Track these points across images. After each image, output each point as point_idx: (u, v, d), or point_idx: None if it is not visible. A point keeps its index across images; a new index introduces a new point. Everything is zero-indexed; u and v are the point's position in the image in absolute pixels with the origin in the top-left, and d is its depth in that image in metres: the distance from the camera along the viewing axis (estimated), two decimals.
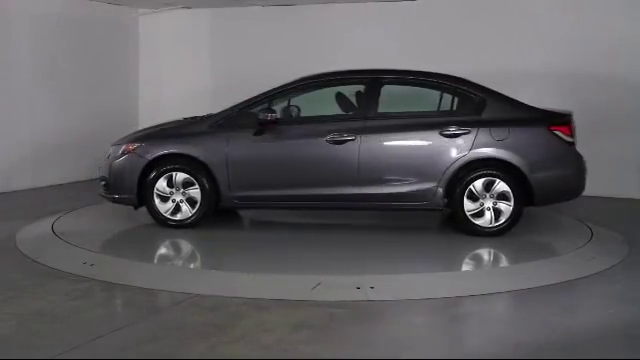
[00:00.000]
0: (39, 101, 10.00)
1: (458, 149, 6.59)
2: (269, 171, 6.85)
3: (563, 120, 6.71)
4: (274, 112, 6.79)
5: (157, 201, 6.92)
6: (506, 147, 6.54)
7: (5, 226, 7.20)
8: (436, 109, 7.09)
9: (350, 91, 7.22)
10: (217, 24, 11.48)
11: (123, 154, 7.00)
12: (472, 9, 9.95)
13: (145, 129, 7.62)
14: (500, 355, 4.03)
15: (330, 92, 7.23)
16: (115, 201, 7.14)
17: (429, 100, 7.19)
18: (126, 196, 6.97)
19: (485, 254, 6.17)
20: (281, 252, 6.17)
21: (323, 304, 4.83)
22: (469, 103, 6.89)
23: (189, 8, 11.47)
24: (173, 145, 6.93)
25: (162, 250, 6.76)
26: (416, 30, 10.18)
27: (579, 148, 6.83)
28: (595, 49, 9.23)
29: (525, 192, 6.58)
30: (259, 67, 10.44)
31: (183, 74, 11.69)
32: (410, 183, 6.68)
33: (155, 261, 6.18)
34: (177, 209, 6.95)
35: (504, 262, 5.92)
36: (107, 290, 5.12)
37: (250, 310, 4.69)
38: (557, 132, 6.61)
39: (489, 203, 6.59)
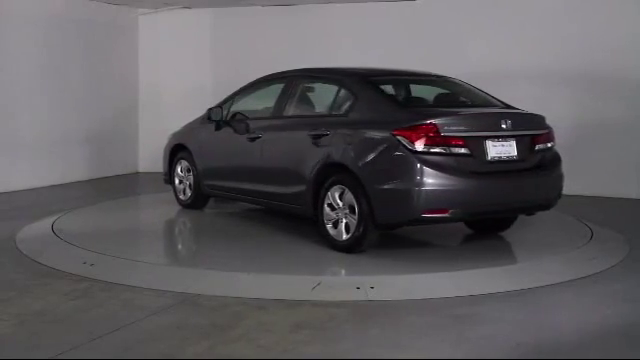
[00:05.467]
0: (39, 101, 10.00)
1: (319, 152, 6.12)
2: (218, 163, 7.52)
3: (419, 124, 5.52)
4: (210, 110, 7.46)
5: (177, 182, 8.13)
6: (351, 152, 5.85)
7: (5, 226, 7.19)
8: (322, 108, 6.70)
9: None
10: (217, 24, 11.50)
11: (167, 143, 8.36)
12: (472, 9, 9.95)
13: None
14: (500, 355, 4.03)
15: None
16: (165, 180, 8.38)
17: (325, 98, 6.75)
18: (166, 177, 8.32)
19: (485, 254, 6.15)
20: (281, 252, 6.17)
21: (323, 304, 4.82)
22: (345, 102, 6.34)
23: (189, 8, 11.47)
24: (180, 137, 8.11)
25: (162, 250, 6.78)
26: (416, 30, 10.18)
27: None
28: (596, 49, 9.23)
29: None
30: (259, 67, 10.38)
31: (183, 74, 11.69)
32: (288, 184, 6.48)
33: (155, 261, 6.18)
34: (184, 191, 8.07)
35: (504, 262, 5.90)
36: (107, 290, 5.11)
37: (250, 310, 4.69)
38: (400, 137, 5.53)
39: (342, 214, 5.96)
